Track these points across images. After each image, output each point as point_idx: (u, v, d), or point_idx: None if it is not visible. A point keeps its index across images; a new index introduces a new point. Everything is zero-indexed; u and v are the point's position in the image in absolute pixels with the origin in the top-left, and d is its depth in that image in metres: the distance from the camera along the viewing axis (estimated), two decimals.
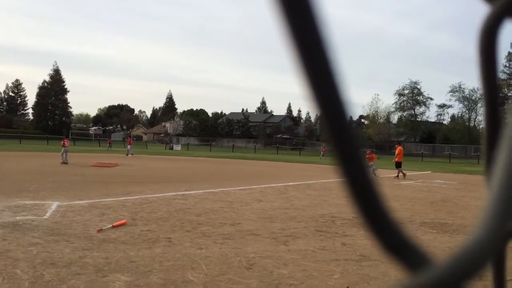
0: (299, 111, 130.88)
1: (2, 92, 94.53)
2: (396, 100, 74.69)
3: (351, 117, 0.34)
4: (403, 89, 73.92)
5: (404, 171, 21.01)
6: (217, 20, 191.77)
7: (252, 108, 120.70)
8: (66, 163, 21.67)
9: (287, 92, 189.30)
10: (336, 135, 0.27)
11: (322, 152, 46.37)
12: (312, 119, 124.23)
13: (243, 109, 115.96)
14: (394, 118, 76.14)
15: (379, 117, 73.89)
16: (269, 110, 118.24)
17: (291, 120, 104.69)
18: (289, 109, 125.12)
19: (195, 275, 4.89)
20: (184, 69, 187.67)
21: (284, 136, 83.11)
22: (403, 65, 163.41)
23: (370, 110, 74.31)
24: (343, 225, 8.24)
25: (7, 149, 31.44)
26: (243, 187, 14.17)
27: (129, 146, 35.90)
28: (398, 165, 21.11)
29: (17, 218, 7.66)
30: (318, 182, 17.57)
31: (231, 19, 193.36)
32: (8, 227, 6.91)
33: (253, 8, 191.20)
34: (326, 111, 0.26)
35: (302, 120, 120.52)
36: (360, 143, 0.29)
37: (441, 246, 6.86)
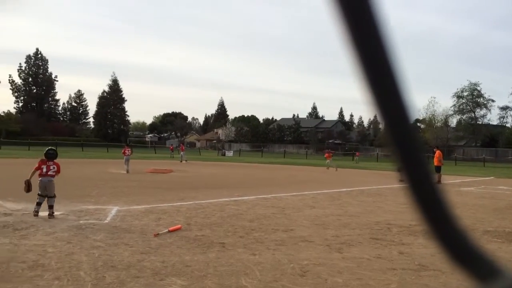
0: (351, 115, 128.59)
1: (65, 102, 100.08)
2: (455, 102, 71.67)
3: (414, 121, 0.33)
4: (462, 91, 70.81)
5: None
6: (268, 25, 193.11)
7: (303, 114, 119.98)
8: (127, 172, 20.84)
9: (339, 97, 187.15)
10: (399, 140, 0.27)
11: (356, 156, 47.43)
12: (365, 123, 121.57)
13: (294, 115, 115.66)
14: (453, 122, 73.04)
15: (436, 121, 71.05)
16: (321, 115, 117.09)
17: (343, 125, 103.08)
18: (341, 114, 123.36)
19: (249, 280, 4.91)
20: (236, 75, 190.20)
21: (336, 142, 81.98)
22: (461, 66, 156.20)
23: (427, 113, 71.60)
24: (399, 233, 7.98)
25: (71, 156, 33.23)
26: (295, 193, 14.11)
27: (182, 153, 36.83)
28: (438, 169, 20.28)
29: (80, 222, 8.05)
30: (372, 188, 17.15)
31: (281, 24, 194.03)
32: (72, 230, 7.28)
33: (303, 12, 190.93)
34: (388, 115, 0.26)
35: (354, 125, 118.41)
36: (423, 147, 0.28)
37: (507, 256, 6.47)
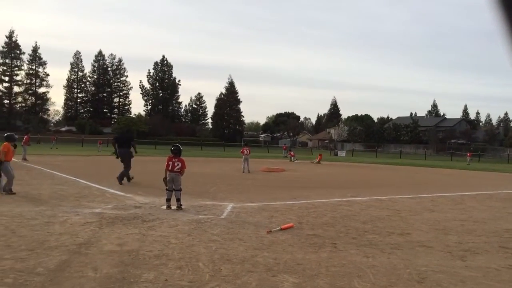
0: (478, 113, 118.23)
1: (187, 104, 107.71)
2: None
3: None
4: None
5: None
6: (381, 20, 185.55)
7: (422, 112, 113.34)
8: (245, 172, 20.79)
9: (462, 93, 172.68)
10: None
11: (468, 157, 44.18)
12: (494, 122, 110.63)
13: (411, 113, 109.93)
14: None
15: None
16: (441, 113, 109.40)
17: (467, 123, 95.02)
18: (465, 112, 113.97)
19: (362, 283, 4.78)
20: (349, 74, 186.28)
21: (459, 141, 75.90)
22: None
23: None
24: None
25: (191, 155, 35.52)
26: (412, 195, 13.37)
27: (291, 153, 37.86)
28: None
29: (199, 216, 8.58)
30: (502, 192, 15.54)
31: (395, 18, 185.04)
32: (192, 224, 7.79)
33: (419, 5, 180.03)
34: None
35: (481, 124, 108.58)
36: None
37: None
